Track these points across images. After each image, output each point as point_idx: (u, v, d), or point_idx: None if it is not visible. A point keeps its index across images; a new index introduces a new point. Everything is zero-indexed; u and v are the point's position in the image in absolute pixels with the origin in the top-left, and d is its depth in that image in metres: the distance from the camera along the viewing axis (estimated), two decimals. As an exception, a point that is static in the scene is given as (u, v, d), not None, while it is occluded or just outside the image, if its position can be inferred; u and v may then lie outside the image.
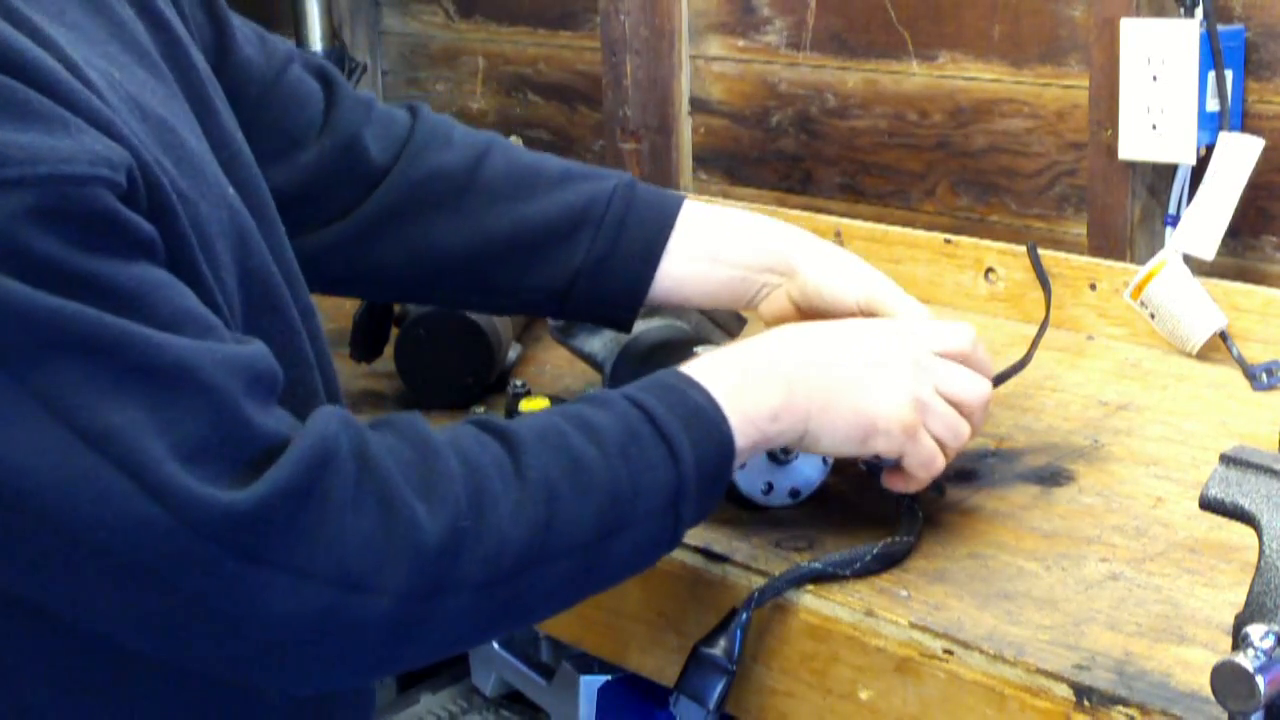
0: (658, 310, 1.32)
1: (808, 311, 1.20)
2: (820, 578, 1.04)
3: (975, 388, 1.07)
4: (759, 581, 1.04)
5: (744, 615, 1.02)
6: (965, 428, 1.07)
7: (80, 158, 0.78)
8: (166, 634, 0.81)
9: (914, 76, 1.83)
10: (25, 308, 0.75)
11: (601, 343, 1.36)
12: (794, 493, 1.15)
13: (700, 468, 0.94)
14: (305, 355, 1.00)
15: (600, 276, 1.21)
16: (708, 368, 1.00)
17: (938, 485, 1.13)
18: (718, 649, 1.02)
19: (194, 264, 0.86)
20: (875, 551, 1.05)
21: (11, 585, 0.81)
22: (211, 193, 0.92)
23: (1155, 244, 1.61)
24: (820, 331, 1.07)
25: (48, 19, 0.84)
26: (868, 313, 1.17)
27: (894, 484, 1.09)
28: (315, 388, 1.01)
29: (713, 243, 1.22)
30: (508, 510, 0.86)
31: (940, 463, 1.06)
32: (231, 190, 0.95)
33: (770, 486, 1.15)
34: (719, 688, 1.01)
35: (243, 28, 1.18)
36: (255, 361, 0.83)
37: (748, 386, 0.99)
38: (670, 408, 0.95)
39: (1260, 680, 0.79)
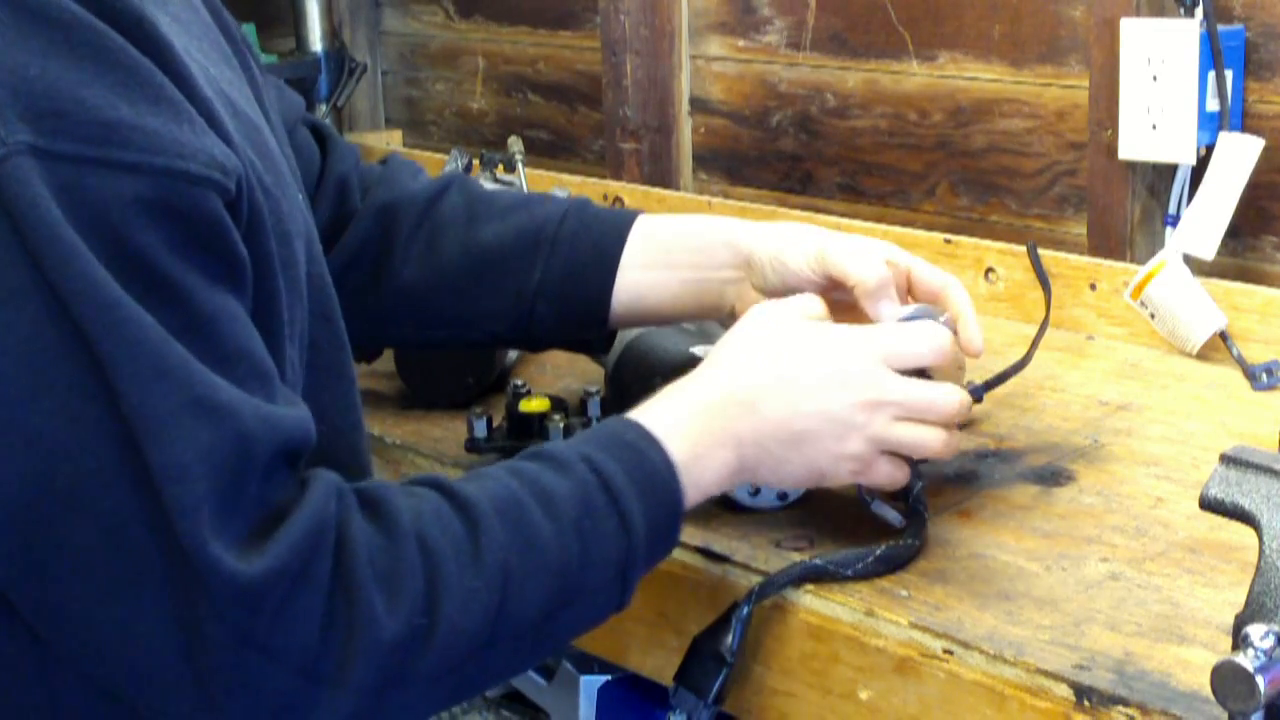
0: None
1: (777, 291, 1.16)
2: (822, 575, 1.04)
3: (940, 402, 1.03)
4: (759, 581, 1.04)
5: (745, 609, 1.02)
6: (933, 438, 1.03)
7: (199, 156, 0.78)
8: (126, 663, 0.79)
9: (914, 76, 1.83)
10: (112, 301, 0.75)
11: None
12: (782, 495, 1.15)
13: (650, 535, 0.95)
14: (348, 370, 1.01)
15: (559, 296, 1.20)
16: (670, 422, 0.98)
17: (913, 497, 1.12)
18: (718, 641, 1.02)
19: (273, 281, 0.86)
20: (879, 553, 1.05)
21: None
22: (290, 193, 0.93)
23: (1155, 244, 1.61)
24: (773, 373, 1.01)
25: (155, 6, 0.84)
26: (822, 275, 1.13)
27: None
28: (354, 401, 1.02)
29: (665, 250, 1.20)
30: (462, 599, 0.86)
31: (901, 477, 1.05)
32: (301, 195, 0.97)
33: (757, 489, 1.14)
34: (718, 680, 1.02)
35: (270, 76, 1.19)
36: (292, 428, 0.83)
37: (702, 454, 0.98)
38: (628, 472, 0.94)
39: (1260, 680, 0.79)
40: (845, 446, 1.01)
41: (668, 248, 1.21)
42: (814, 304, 1.07)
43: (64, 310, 0.74)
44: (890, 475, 1.04)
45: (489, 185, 1.62)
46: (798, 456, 1.01)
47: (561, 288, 1.20)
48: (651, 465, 0.96)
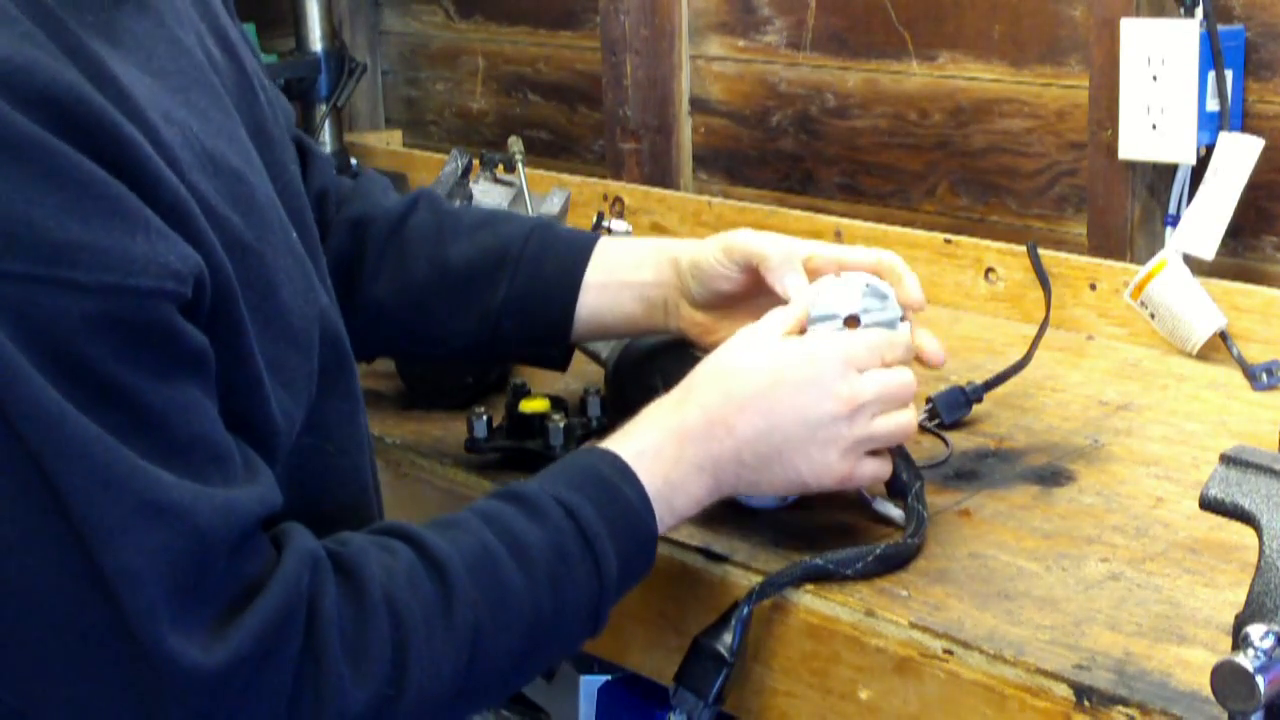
0: None
1: (706, 301, 1.19)
2: (822, 575, 1.04)
3: (909, 382, 1.07)
4: (759, 581, 1.04)
5: (745, 609, 1.02)
6: (907, 418, 1.07)
7: (150, 270, 0.78)
8: None
9: (914, 76, 1.83)
10: (56, 417, 0.75)
11: (604, 341, 1.36)
12: (782, 495, 1.15)
13: (623, 571, 0.97)
14: (354, 390, 1.03)
15: (522, 313, 1.22)
16: (646, 450, 1.00)
17: (913, 497, 1.12)
18: (718, 641, 1.02)
19: (247, 345, 0.87)
20: (879, 552, 1.05)
21: None
22: (277, 240, 0.93)
23: (1155, 244, 1.61)
24: (748, 390, 1.03)
25: (137, 68, 0.84)
26: (734, 266, 1.16)
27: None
28: (358, 421, 1.03)
29: (618, 268, 1.23)
30: (431, 664, 0.87)
31: (886, 469, 1.07)
32: (294, 234, 0.97)
33: None
34: (718, 680, 1.02)
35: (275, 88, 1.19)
36: (253, 506, 0.83)
37: (677, 481, 1.01)
38: (601, 510, 0.96)
39: (1260, 680, 0.79)
40: (828, 455, 1.04)
41: (620, 266, 1.23)
42: (786, 316, 1.09)
43: (9, 426, 0.74)
44: (876, 472, 1.07)
45: (489, 185, 1.62)
46: (778, 468, 1.04)
47: (525, 305, 1.22)
48: (626, 502, 0.97)
